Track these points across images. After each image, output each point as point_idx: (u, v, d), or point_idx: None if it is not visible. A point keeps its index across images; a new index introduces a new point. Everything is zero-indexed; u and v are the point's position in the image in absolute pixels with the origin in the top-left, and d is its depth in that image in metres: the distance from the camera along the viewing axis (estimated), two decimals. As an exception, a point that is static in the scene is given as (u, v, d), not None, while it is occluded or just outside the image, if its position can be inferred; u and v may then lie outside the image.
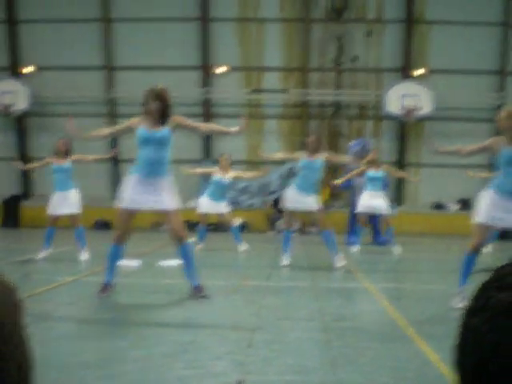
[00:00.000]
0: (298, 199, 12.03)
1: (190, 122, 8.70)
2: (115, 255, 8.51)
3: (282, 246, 12.51)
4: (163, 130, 8.20)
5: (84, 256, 12.68)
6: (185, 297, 8.48)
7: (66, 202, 12.74)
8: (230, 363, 5.22)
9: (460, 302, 7.68)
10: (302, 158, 12.04)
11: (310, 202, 12.00)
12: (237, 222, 16.74)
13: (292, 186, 12.27)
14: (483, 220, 7.73)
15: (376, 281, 10.52)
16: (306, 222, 20.94)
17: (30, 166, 15.42)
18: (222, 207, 15.35)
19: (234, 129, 8.56)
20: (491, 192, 7.75)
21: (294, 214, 12.54)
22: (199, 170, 16.79)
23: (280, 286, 9.96)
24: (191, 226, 22.07)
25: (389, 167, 16.39)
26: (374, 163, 15.46)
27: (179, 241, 8.32)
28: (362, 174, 15.81)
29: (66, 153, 12.98)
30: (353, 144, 20.77)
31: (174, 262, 11.74)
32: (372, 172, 15.39)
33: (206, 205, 15.33)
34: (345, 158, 13.86)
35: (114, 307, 7.95)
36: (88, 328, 6.57)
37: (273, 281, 10.47)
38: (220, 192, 15.28)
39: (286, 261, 12.33)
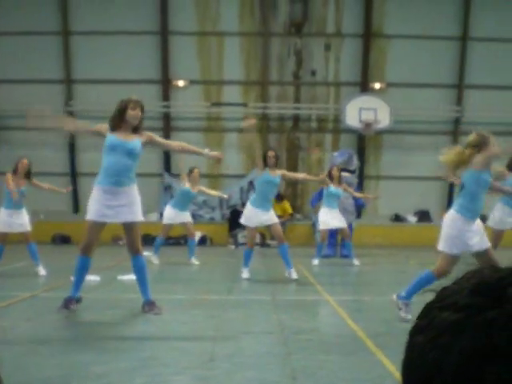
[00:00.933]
0: (258, 216, 12.11)
1: (160, 139, 8.65)
2: (82, 268, 8.34)
3: (244, 261, 12.54)
4: (135, 141, 8.11)
5: (41, 271, 12.54)
6: (144, 311, 8.46)
7: (17, 221, 12.56)
8: (191, 378, 5.23)
9: (405, 313, 7.78)
10: (264, 172, 12.09)
11: (269, 217, 12.12)
12: (196, 236, 16.80)
13: (250, 204, 12.36)
14: (455, 251, 7.69)
15: (336, 293, 10.58)
16: (267, 235, 20.98)
17: None
18: (187, 216, 15.50)
19: (207, 150, 8.58)
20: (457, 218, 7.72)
21: (255, 231, 12.60)
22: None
23: (240, 299, 9.97)
24: (151, 239, 22.02)
25: (348, 188, 16.48)
26: (335, 179, 15.56)
27: (135, 253, 8.26)
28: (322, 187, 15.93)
29: (26, 175, 12.70)
30: (337, 154, 20.93)
31: (134, 276, 11.70)
32: (333, 188, 15.48)
33: (171, 215, 15.40)
34: (299, 175, 13.88)
35: (74, 323, 7.90)
36: (48, 344, 6.52)
37: (233, 294, 10.48)
38: (186, 203, 15.47)
39: (246, 274, 12.40)
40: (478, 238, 7.64)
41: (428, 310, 0.83)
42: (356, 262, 15.51)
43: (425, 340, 0.79)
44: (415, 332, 0.82)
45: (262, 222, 12.25)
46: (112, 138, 8.13)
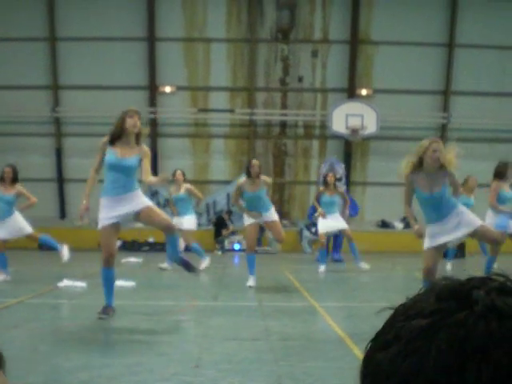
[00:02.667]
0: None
1: (145, 164, 8.61)
2: (108, 279, 8.46)
3: (248, 268, 12.29)
4: (132, 158, 8.30)
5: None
6: (131, 318, 8.44)
7: (13, 228, 12.53)
8: (177, 384, 5.21)
9: None
10: (245, 189, 12.01)
11: (269, 214, 12.05)
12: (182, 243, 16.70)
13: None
14: (428, 246, 7.99)
15: (323, 299, 10.58)
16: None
17: None
18: (184, 223, 15.24)
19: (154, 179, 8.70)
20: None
21: (254, 233, 12.39)
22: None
23: (227, 305, 9.95)
24: (138, 245, 21.98)
25: (343, 193, 16.48)
26: (331, 186, 15.57)
27: (168, 231, 8.47)
28: (318, 197, 15.89)
29: (12, 180, 12.63)
30: (323, 165, 21.10)
31: (120, 283, 11.69)
32: (327, 197, 15.49)
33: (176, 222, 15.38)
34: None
35: (60, 330, 7.86)
36: (33, 350, 6.49)
37: (220, 301, 10.47)
38: (179, 208, 15.29)
39: (251, 282, 12.15)
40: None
41: (390, 325, 0.82)
42: (364, 265, 15.46)
43: (395, 351, 0.78)
44: (378, 349, 0.81)
45: (262, 219, 12.10)
46: (110, 155, 8.32)
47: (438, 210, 7.94)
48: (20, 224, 12.62)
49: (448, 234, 8.01)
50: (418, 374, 0.75)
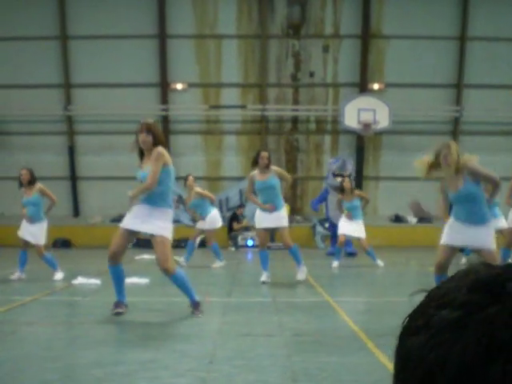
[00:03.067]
0: (265, 219, 11.98)
1: (151, 165, 8.52)
2: (114, 276, 8.50)
3: (261, 264, 12.22)
4: (144, 170, 8.22)
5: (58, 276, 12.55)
6: (145, 314, 8.46)
7: (34, 233, 12.59)
8: (191, 380, 5.21)
9: None
10: (256, 179, 11.96)
11: (276, 220, 11.96)
12: (197, 240, 16.86)
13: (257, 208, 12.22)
14: (443, 242, 7.96)
15: (336, 295, 10.57)
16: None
17: None
18: (204, 223, 15.54)
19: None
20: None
21: (263, 232, 12.28)
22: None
23: (241, 301, 9.95)
24: (144, 242, 22.00)
25: (360, 193, 16.46)
26: (348, 191, 15.49)
27: (162, 271, 8.28)
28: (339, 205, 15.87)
29: (29, 182, 12.68)
30: (332, 161, 21.04)
31: (136, 280, 11.72)
32: (346, 203, 15.47)
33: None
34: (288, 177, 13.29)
35: (74, 326, 7.89)
36: (48, 348, 6.51)
37: (234, 297, 10.47)
38: (200, 210, 15.47)
39: (264, 277, 12.07)
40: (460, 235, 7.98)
41: (422, 310, 0.82)
42: (380, 262, 15.50)
43: (424, 340, 0.78)
44: (409, 333, 0.82)
45: (269, 225, 12.09)
46: (137, 170, 8.40)
47: (468, 210, 7.84)
48: (40, 232, 12.65)
49: (464, 240, 7.96)
50: (443, 366, 0.75)
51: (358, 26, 23.66)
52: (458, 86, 23.82)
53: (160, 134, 8.47)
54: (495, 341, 0.73)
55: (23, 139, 23.81)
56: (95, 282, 11.66)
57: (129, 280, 11.51)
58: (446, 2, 23.44)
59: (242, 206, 23.22)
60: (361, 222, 15.59)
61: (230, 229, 22.90)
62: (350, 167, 21.50)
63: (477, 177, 7.74)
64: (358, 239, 15.72)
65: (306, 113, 24.55)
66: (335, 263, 15.41)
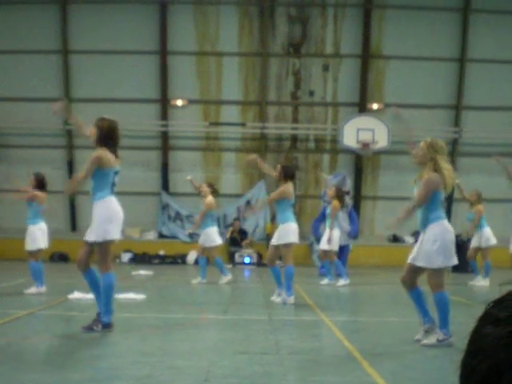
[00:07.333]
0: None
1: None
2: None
3: (276, 283, 12.14)
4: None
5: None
6: (141, 330, 8.46)
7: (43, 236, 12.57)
8: (186, 397, 5.22)
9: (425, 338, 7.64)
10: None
11: (277, 235, 11.98)
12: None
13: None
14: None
15: (332, 314, 10.57)
16: (264, 255, 20.96)
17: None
18: (202, 237, 15.64)
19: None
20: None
21: (272, 248, 12.10)
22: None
23: (237, 319, 9.95)
24: (148, 258, 21.97)
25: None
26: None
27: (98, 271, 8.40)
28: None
29: (38, 186, 12.61)
30: (331, 177, 21.12)
31: (133, 295, 11.71)
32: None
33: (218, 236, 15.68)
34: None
35: (70, 340, 7.88)
36: (43, 362, 6.51)
37: (230, 314, 10.47)
38: (202, 221, 15.54)
39: (278, 297, 11.97)
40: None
41: (508, 303, 0.80)
42: (342, 281, 15.34)
43: (501, 334, 0.76)
44: (488, 322, 0.80)
45: (273, 241, 12.08)
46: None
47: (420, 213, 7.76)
48: (28, 236, 12.55)
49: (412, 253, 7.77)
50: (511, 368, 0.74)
51: (359, 45, 23.76)
52: (457, 108, 23.90)
53: (106, 133, 8.64)
54: None
55: (23, 152, 23.83)
56: (91, 296, 11.63)
57: (125, 296, 11.54)
58: (446, 24, 23.56)
59: (237, 218, 23.43)
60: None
61: (236, 244, 23.01)
62: (349, 184, 21.55)
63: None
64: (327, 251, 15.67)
65: (305, 131, 24.60)
66: (326, 280, 15.48)
